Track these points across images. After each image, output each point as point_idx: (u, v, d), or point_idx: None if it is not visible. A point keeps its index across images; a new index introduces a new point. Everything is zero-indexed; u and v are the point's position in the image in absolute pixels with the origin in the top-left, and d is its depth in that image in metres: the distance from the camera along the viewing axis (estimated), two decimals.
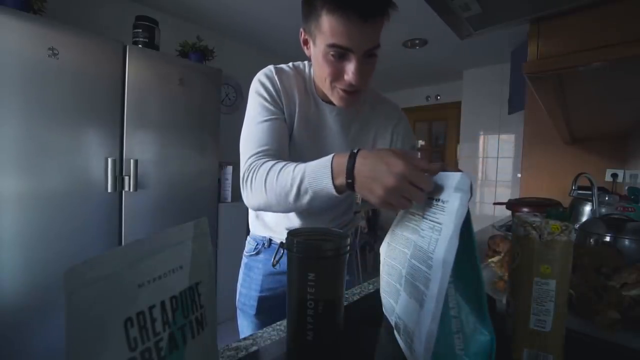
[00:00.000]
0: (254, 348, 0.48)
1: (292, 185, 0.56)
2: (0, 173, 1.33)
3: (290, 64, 0.77)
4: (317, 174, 0.53)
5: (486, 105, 3.17)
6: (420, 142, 4.06)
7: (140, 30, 1.88)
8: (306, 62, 0.77)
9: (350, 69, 0.61)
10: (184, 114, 1.94)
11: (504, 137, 3.12)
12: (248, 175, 0.64)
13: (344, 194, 0.53)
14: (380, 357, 0.48)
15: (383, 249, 0.57)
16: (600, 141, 1.99)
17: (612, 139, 1.95)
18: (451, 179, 0.41)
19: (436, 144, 3.97)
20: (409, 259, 0.46)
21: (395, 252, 0.51)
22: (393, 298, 0.50)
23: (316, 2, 0.58)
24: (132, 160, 1.70)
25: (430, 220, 0.43)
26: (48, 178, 1.44)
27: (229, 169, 2.34)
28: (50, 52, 1.42)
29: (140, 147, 1.75)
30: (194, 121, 1.99)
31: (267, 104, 0.69)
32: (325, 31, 0.58)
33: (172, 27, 2.31)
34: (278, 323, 0.57)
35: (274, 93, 0.70)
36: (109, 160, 1.61)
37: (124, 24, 2.04)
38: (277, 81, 0.71)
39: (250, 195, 0.64)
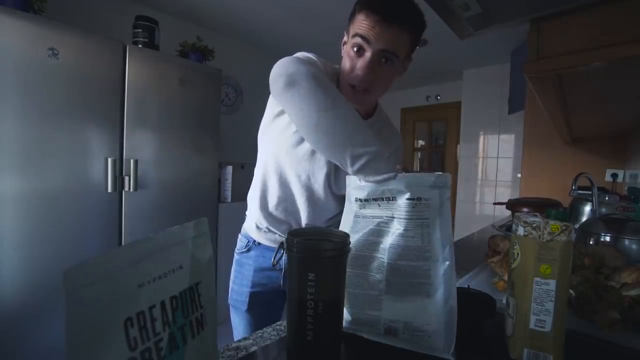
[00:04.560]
0: (254, 348, 0.48)
1: (363, 138, 0.54)
2: (0, 173, 1.33)
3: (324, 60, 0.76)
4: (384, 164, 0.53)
5: (486, 105, 3.17)
6: (421, 142, 4.07)
7: (140, 30, 1.87)
8: (337, 66, 0.77)
9: (362, 64, 0.66)
10: (184, 114, 1.94)
11: (504, 137, 3.12)
12: (309, 70, 0.59)
13: None
14: (380, 357, 0.48)
15: None
16: (600, 141, 1.99)
17: (612, 139, 1.95)
18: (426, 179, 0.47)
19: (436, 143, 3.97)
20: (389, 262, 0.48)
21: (359, 261, 0.50)
22: (372, 308, 0.49)
23: (357, 4, 0.66)
24: (132, 160, 1.70)
25: (416, 218, 0.47)
26: (48, 178, 1.44)
27: (229, 169, 2.34)
28: (50, 52, 1.42)
29: (140, 147, 1.75)
30: (194, 121, 1.99)
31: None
32: (355, 26, 0.66)
33: (172, 27, 2.30)
34: (278, 323, 0.57)
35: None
36: (109, 160, 1.61)
37: (124, 24, 2.04)
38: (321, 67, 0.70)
39: (299, 89, 0.57)
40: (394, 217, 0.48)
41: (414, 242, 0.47)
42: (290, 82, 0.58)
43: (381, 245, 0.49)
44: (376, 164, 0.52)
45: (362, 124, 0.57)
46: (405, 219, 0.47)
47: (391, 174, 0.50)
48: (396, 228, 0.48)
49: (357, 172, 0.53)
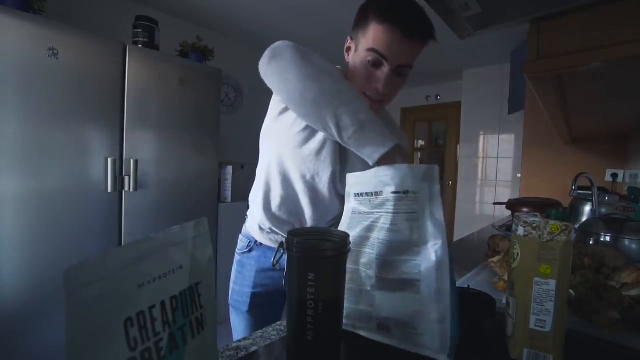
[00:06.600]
0: (254, 348, 0.48)
1: (350, 98, 0.52)
2: (0, 173, 1.33)
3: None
4: (382, 133, 0.51)
5: (486, 105, 3.17)
6: (421, 142, 4.07)
7: (140, 30, 1.87)
8: (338, 67, 0.77)
9: (380, 77, 0.67)
10: (184, 114, 1.94)
11: (504, 137, 3.12)
12: (294, 45, 0.56)
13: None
14: (380, 357, 0.48)
15: None
16: (600, 141, 1.99)
17: (612, 139, 1.95)
18: (417, 171, 0.46)
19: (436, 143, 3.97)
20: (378, 257, 0.47)
21: (352, 256, 0.50)
22: (365, 303, 0.49)
23: (369, 11, 0.65)
24: (132, 160, 1.70)
25: (403, 212, 0.46)
26: (48, 178, 1.44)
27: (229, 169, 2.34)
28: (50, 52, 1.42)
29: (140, 147, 1.75)
30: (194, 121, 1.99)
31: None
32: (369, 37, 0.65)
33: (172, 27, 2.30)
34: (278, 323, 0.57)
35: None
36: (109, 160, 1.61)
37: (124, 24, 2.04)
38: None
39: (278, 62, 0.55)
40: (382, 213, 0.48)
41: (402, 236, 0.46)
42: (274, 54, 0.57)
43: (370, 241, 0.49)
44: (371, 130, 0.50)
45: (353, 91, 0.55)
46: (392, 213, 0.47)
47: (390, 144, 0.49)
48: (383, 223, 0.47)
49: (350, 140, 0.51)
